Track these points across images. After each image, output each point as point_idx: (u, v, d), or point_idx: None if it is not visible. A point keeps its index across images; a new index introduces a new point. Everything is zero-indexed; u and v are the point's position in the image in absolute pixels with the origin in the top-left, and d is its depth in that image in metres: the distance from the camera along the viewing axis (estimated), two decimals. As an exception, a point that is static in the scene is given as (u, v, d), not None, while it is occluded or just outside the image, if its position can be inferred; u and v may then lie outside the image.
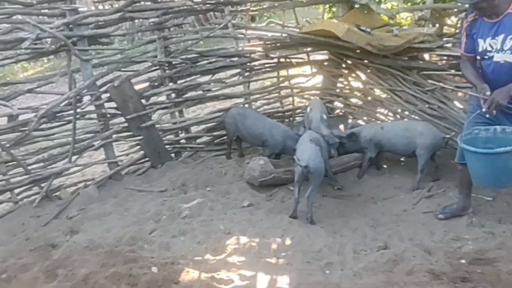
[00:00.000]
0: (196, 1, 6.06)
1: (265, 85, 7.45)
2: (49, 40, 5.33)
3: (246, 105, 6.77)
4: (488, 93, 3.68)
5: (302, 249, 4.07)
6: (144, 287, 3.45)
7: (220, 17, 11.80)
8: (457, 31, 5.75)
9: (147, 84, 6.11)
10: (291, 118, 7.30)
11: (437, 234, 4.18)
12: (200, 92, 6.52)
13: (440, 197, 4.91)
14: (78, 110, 5.39)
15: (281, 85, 7.23)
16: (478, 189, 4.74)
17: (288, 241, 4.23)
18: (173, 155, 6.38)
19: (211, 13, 11.42)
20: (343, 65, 7.07)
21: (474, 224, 4.27)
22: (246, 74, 6.81)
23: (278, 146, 5.79)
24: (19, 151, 5.54)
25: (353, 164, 5.81)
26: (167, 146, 6.28)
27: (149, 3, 6.03)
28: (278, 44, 6.81)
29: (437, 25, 6.22)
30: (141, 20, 10.43)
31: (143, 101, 5.98)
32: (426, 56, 6.26)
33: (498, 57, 3.71)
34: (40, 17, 5.43)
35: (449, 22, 7.15)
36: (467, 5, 3.98)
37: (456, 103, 5.61)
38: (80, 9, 5.39)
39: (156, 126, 6.11)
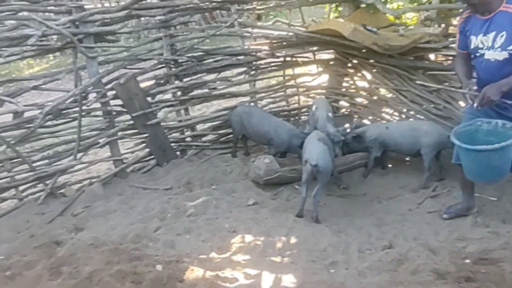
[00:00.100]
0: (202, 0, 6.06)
1: (271, 83, 7.45)
2: (55, 37, 5.32)
3: (252, 104, 6.76)
4: (475, 87, 3.74)
5: (307, 248, 4.06)
6: (149, 285, 3.45)
7: (227, 15, 11.78)
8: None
9: (153, 82, 6.12)
10: (296, 117, 7.29)
11: (441, 234, 4.17)
12: (206, 90, 6.53)
13: (445, 197, 4.89)
14: (84, 107, 5.39)
15: (287, 84, 7.22)
16: (482, 189, 4.74)
17: (293, 240, 4.23)
18: (178, 153, 6.38)
19: (218, 11, 11.40)
20: (349, 65, 7.06)
21: (479, 224, 4.25)
22: (252, 72, 6.81)
23: (284, 145, 5.79)
24: (24, 148, 5.56)
25: (359, 164, 5.80)
26: (172, 144, 6.29)
27: (155, 0, 6.06)
28: (284, 43, 6.81)
29: (443, 25, 6.20)
30: (147, 18, 10.43)
31: (148, 98, 5.98)
32: (432, 56, 6.25)
33: (488, 55, 3.71)
34: (46, 14, 5.43)
35: (455, 22, 7.08)
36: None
37: (462, 103, 5.59)
38: (86, 7, 5.41)
39: (162, 124, 6.12)
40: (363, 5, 6.67)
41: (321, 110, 5.75)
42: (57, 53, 12.77)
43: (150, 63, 6.17)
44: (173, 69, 6.15)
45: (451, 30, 6.17)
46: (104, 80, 5.67)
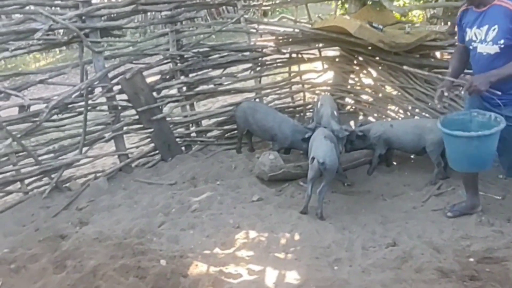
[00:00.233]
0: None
1: (277, 80, 7.44)
2: (61, 31, 5.33)
3: (257, 100, 6.76)
4: (446, 94, 3.85)
5: (310, 244, 4.06)
6: (153, 280, 3.46)
7: (233, 11, 11.81)
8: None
9: (158, 77, 6.12)
10: (301, 114, 7.29)
11: (446, 232, 4.15)
12: (212, 86, 6.53)
13: (449, 195, 4.88)
14: (90, 101, 5.40)
15: (293, 80, 7.22)
16: (487, 188, 4.73)
17: (297, 237, 4.23)
18: (183, 148, 6.38)
19: (224, 7, 11.41)
20: (355, 62, 7.05)
21: (483, 222, 4.23)
22: (258, 68, 6.80)
23: (287, 141, 5.78)
24: (30, 142, 5.58)
25: (363, 161, 5.80)
26: (177, 139, 6.29)
27: (162, -4, 6.04)
28: (290, 40, 6.80)
29: (449, 23, 6.19)
30: (153, 13, 10.46)
31: (154, 94, 5.99)
32: (438, 54, 6.22)
33: (481, 48, 3.71)
34: (53, 8, 5.45)
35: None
36: None
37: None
38: (93, 1, 5.40)
39: (167, 119, 6.13)
40: (369, 2, 6.68)
41: (326, 107, 5.74)
42: (64, 47, 12.82)
43: (156, 58, 6.17)
44: (179, 64, 6.15)
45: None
46: (110, 75, 5.68)
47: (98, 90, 5.58)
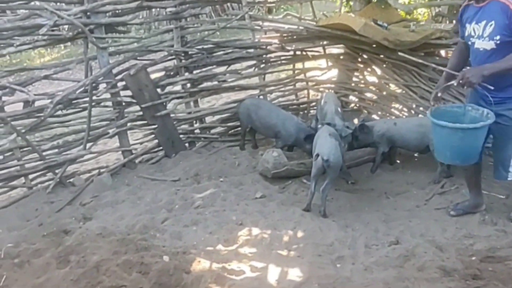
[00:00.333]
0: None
1: (281, 77, 7.46)
2: (66, 27, 5.35)
3: (261, 97, 6.76)
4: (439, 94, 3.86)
5: (313, 242, 4.06)
6: (156, 276, 3.47)
7: (237, 8, 11.77)
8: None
9: (163, 73, 6.12)
10: (305, 111, 7.29)
11: (449, 231, 4.15)
12: (216, 82, 6.53)
13: (453, 194, 4.87)
14: (94, 97, 5.42)
15: (297, 77, 7.23)
16: (491, 187, 4.72)
17: (299, 234, 4.23)
18: (187, 145, 6.39)
19: (228, 4, 11.39)
20: (359, 59, 7.05)
21: (487, 221, 4.23)
22: (262, 66, 6.80)
23: (291, 138, 5.78)
24: (34, 137, 5.59)
25: (367, 159, 5.79)
26: (181, 136, 6.30)
27: (167, -8, 6.04)
28: (295, 37, 6.80)
29: (454, 21, 6.17)
30: (158, 9, 10.44)
31: (158, 90, 5.99)
32: (443, 52, 6.21)
33: (478, 44, 3.70)
34: (58, 3, 5.45)
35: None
36: None
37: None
38: (97, -3, 5.41)
39: (171, 115, 6.13)
40: (374, 0, 6.65)
41: (330, 104, 5.73)
42: (68, 43, 12.78)
43: (160, 54, 6.18)
44: (183, 61, 6.15)
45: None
46: (114, 71, 5.68)
47: (102, 86, 5.59)
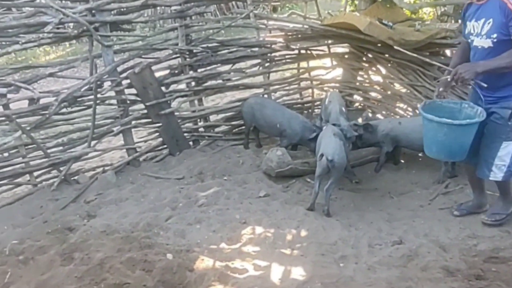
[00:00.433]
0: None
1: (285, 76, 7.44)
2: (71, 25, 5.35)
3: (265, 96, 6.76)
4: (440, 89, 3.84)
5: (317, 241, 4.07)
6: (159, 273, 3.48)
7: (242, 6, 11.75)
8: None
9: (167, 71, 6.13)
10: (310, 110, 7.29)
11: (452, 231, 4.15)
12: (220, 81, 6.53)
13: (457, 194, 4.87)
14: (99, 95, 5.43)
15: (301, 76, 7.23)
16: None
17: (303, 233, 4.24)
18: (191, 143, 6.39)
19: (233, 2, 11.38)
20: (364, 59, 7.04)
21: (491, 222, 4.23)
22: (267, 64, 6.80)
23: (296, 137, 5.78)
24: (39, 135, 5.61)
25: (371, 158, 5.79)
26: (185, 134, 6.30)
27: (171, -10, 6.04)
28: (299, 36, 6.78)
29: (459, 20, 6.14)
30: (163, 7, 10.47)
31: (163, 88, 6.00)
32: (448, 52, 6.19)
33: (477, 41, 3.68)
34: (63, 1, 5.47)
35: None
36: None
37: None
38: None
39: (175, 113, 6.14)
40: (379, -1, 6.64)
41: (334, 103, 5.73)
42: (73, 41, 12.83)
43: (165, 52, 6.18)
44: (188, 59, 6.15)
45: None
46: (119, 69, 5.69)
47: (107, 84, 5.60)
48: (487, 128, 3.80)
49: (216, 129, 6.69)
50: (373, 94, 7.17)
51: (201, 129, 6.52)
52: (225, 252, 3.92)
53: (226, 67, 6.65)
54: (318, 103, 7.22)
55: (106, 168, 5.71)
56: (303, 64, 7.21)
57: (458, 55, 4.08)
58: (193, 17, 6.25)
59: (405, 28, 5.95)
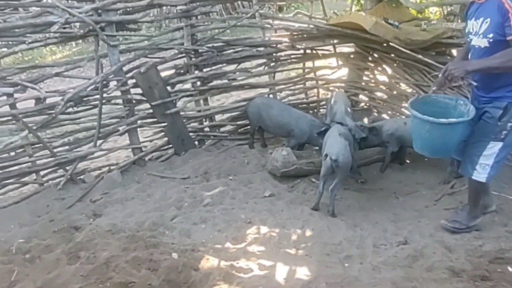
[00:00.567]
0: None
1: (291, 76, 7.45)
2: (77, 24, 5.37)
3: (271, 95, 6.77)
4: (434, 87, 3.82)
5: (322, 241, 4.07)
6: (164, 273, 3.49)
7: (248, 6, 11.75)
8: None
9: (173, 71, 6.14)
10: (315, 110, 7.28)
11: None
12: (225, 81, 6.54)
13: (462, 194, 4.84)
14: (104, 95, 5.45)
15: (307, 76, 7.23)
16: (501, 188, 4.69)
17: (308, 233, 4.24)
18: (196, 142, 6.41)
19: (239, 2, 11.39)
20: (370, 58, 7.03)
21: (497, 223, 4.22)
22: (272, 64, 6.80)
23: (304, 136, 5.79)
24: (46, 134, 5.64)
25: (376, 158, 5.79)
26: (191, 134, 6.32)
27: (177, -10, 6.05)
28: (305, 35, 6.78)
29: (466, 20, 6.13)
30: (169, 7, 10.49)
31: (168, 88, 6.01)
32: (454, 51, 6.17)
33: (475, 41, 3.64)
34: (70, 1, 5.48)
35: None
36: None
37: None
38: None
39: (181, 113, 6.15)
40: (385, -1, 6.63)
41: (339, 104, 5.73)
42: (79, 41, 12.88)
43: (170, 52, 6.19)
44: (193, 59, 6.16)
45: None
46: (125, 69, 5.71)
47: (113, 83, 5.62)
48: (477, 127, 3.78)
49: (222, 129, 6.70)
50: (378, 94, 7.16)
51: (207, 129, 6.54)
52: (230, 252, 3.92)
53: (232, 67, 6.66)
54: (323, 103, 7.21)
55: (112, 167, 5.73)
56: (309, 63, 7.21)
57: (461, 55, 4.07)
58: (198, 17, 6.26)
59: (411, 28, 5.94)
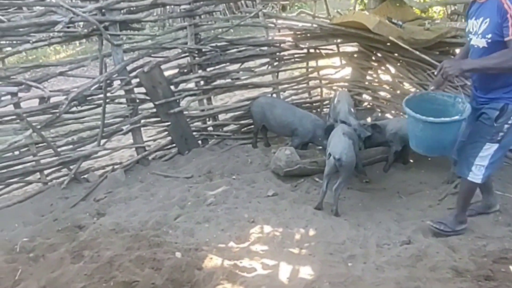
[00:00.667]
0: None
1: (294, 75, 7.43)
2: (81, 24, 5.38)
3: (274, 95, 6.77)
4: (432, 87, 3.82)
5: (325, 240, 4.07)
6: (168, 272, 3.50)
7: (251, 5, 11.77)
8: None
9: (176, 70, 6.14)
10: (318, 109, 7.28)
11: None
12: (229, 80, 6.55)
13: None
14: (108, 94, 5.45)
15: (310, 76, 7.21)
16: (505, 188, 4.68)
17: (311, 232, 4.24)
18: (200, 142, 6.42)
19: (242, 1, 11.40)
20: (373, 58, 7.02)
21: (500, 222, 4.20)
22: (275, 63, 6.79)
23: (308, 135, 5.79)
24: (50, 133, 5.65)
25: (380, 158, 5.78)
26: (194, 133, 6.32)
27: (181, -11, 6.05)
28: (308, 35, 6.77)
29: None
30: (172, 6, 10.48)
31: (172, 87, 6.02)
32: (458, 51, 6.15)
33: (474, 40, 3.61)
34: (74, 1, 5.49)
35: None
36: None
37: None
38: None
39: (184, 112, 6.16)
40: (389, -2, 6.61)
41: (342, 103, 5.73)
42: (83, 40, 12.90)
43: (174, 52, 6.19)
44: (197, 58, 6.16)
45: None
46: (128, 68, 5.72)
47: (116, 82, 5.63)
48: (474, 127, 3.76)
49: (225, 128, 6.70)
50: (382, 93, 7.14)
51: (210, 128, 6.54)
52: (234, 251, 3.93)
53: (235, 66, 6.66)
54: (327, 102, 7.22)
55: (116, 166, 5.75)
56: (312, 63, 7.21)
57: (461, 54, 4.05)
58: (202, 16, 6.26)
59: (415, 27, 5.92)
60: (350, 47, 7.45)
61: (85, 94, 5.34)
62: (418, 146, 3.91)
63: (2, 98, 5.02)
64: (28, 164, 5.25)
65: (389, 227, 4.33)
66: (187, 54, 6.15)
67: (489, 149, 3.68)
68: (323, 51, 7.08)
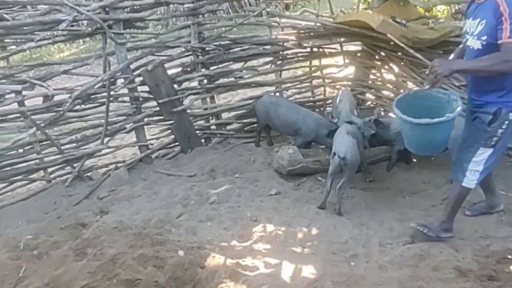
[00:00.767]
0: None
1: (297, 74, 7.43)
2: (85, 22, 5.39)
3: (277, 94, 6.77)
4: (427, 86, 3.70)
5: (328, 239, 4.07)
6: (170, 270, 3.50)
7: (255, 4, 11.77)
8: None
9: (179, 69, 6.15)
10: (322, 108, 7.28)
11: (465, 231, 4.11)
12: (232, 79, 6.55)
13: (470, 194, 4.81)
14: (112, 92, 5.47)
15: (313, 74, 7.21)
16: (509, 188, 4.67)
17: (314, 231, 4.24)
18: (203, 140, 6.42)
19: (246, 0, 11.39)
20: (377, 57, 7.00)
21: (504, 222, 4.18)
22: (279, 62, 6.80)
23: (312, 134, 5.79)
24: (53, 131, 5.65)
25: (383, 157, 5.77)
26: (197, 132, 6.33)
27: (184, -12, 6.06)
28: (312, 34, 6.78)
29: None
30: (176, 5, 10.49)
31: (175, 86, 6.03)
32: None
33: (469, 41, 3.56)
34: (78, -1, 5.51)
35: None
36: None
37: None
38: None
39: (187, 111, 6.16)
40: (393, -3, 6.60)
41: (345, 102, 5.73)
42: (87, 39, 12.90)
43: (177, 50, 6.21)
44: (200, 57, 6.17)
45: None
46: (132, 66, 5.73)
47: (120, 81, 5.64)
48: (468, 132, 3.73)
49: (228, 127, 6.71)
50: (385, 92, 7.13)
51: (213, 127, 6.55)
52: (236, 250, 3.93)
53: (238, 65, 6.66)
54: (330, 101, 7.20)
55: (119, 165, 5.77)
56: (315, 62, 7.21)
57: (456, 54, 3.97)
58: (205, 15, 6.27)
59: (419, 26, 5.91)
60: (354, 46, 7.44)
61: (89, 93, 5.35)
62: (410, 146, 3.94)
63: (7, 96, 5.05)
64: (32, 162, 5.28)
65: (392, 227, 4.33)
66: (190, 52, 6.16)
67: (483, 154, 3.62)
68: (326, 50, 7.08)
